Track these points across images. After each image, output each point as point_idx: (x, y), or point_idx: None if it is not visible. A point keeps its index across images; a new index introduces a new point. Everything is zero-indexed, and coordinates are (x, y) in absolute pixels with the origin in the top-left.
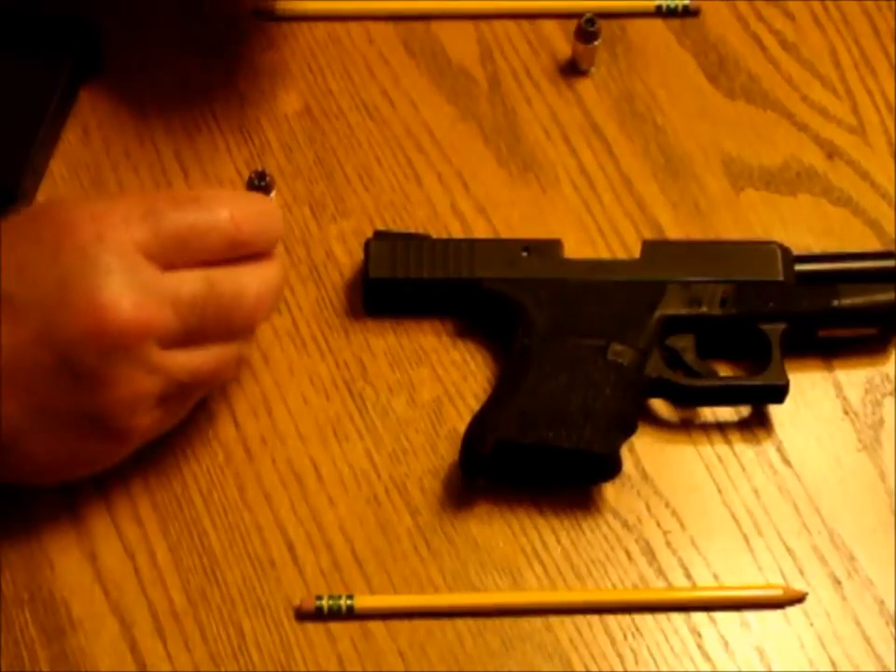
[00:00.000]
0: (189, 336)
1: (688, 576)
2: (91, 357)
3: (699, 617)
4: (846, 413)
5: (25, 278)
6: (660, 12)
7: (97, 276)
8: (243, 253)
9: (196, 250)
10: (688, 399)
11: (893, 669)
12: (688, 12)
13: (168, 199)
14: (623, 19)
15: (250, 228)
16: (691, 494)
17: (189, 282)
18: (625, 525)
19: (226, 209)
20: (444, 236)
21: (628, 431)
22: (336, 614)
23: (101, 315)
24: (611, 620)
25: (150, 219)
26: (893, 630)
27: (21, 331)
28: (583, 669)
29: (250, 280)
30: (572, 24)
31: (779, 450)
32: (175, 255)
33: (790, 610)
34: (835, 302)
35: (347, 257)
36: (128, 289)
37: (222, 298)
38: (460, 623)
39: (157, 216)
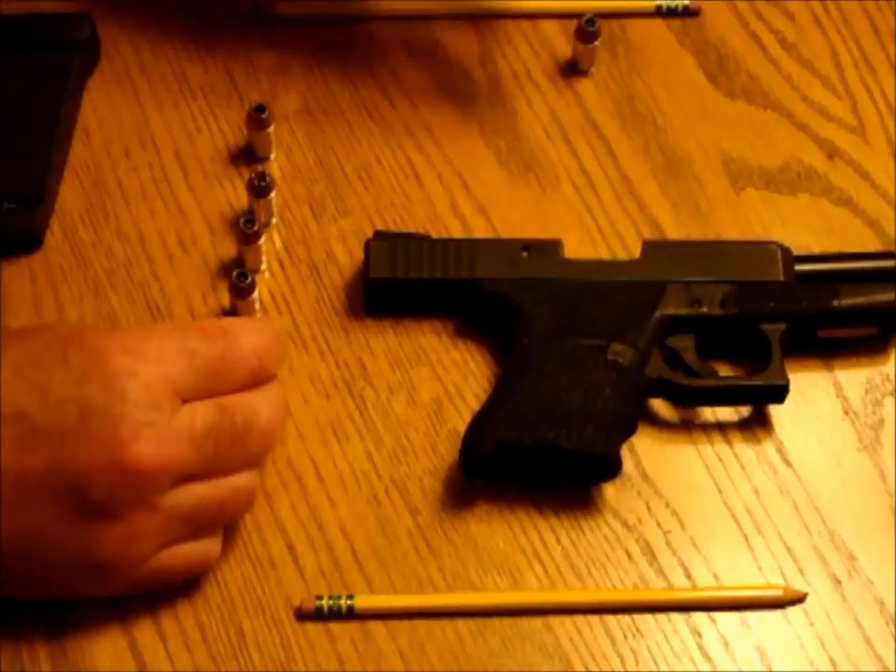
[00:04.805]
0: (207, 468)
1: (688, 576)
2: (103, 490)
3: (699, 617)
4: (846, 412)
5: (48, 403)
6: (660, 12)
7: (123, 411)
8: (258, 381)
9: (222, 382)
10: (688, 399)
11: (893, 669)
12: (688, 12)
13: (198, 332)
14: (623, 19)
15: (269, 358)
16: (691, 494)
17: (203, 413)
18: (625, 525)
19: (249, 341)
20: (444, 236)
21: (628, 431)
22: (336, 614)
23: (122, 450)
24: (612, 620)
25: (184, 354)
26: (893, 630)
27: (36, 456)
28: (583, 669)
29: (260, 405)
30: (572, 24)
31: (779, 450)
32: (203, 388)
33: (790, 610)
34: (835, 302)
35: (347, 257)
36: (151, 427)
37: (235, 426)
38: (460, 623)
39: (190, 350)
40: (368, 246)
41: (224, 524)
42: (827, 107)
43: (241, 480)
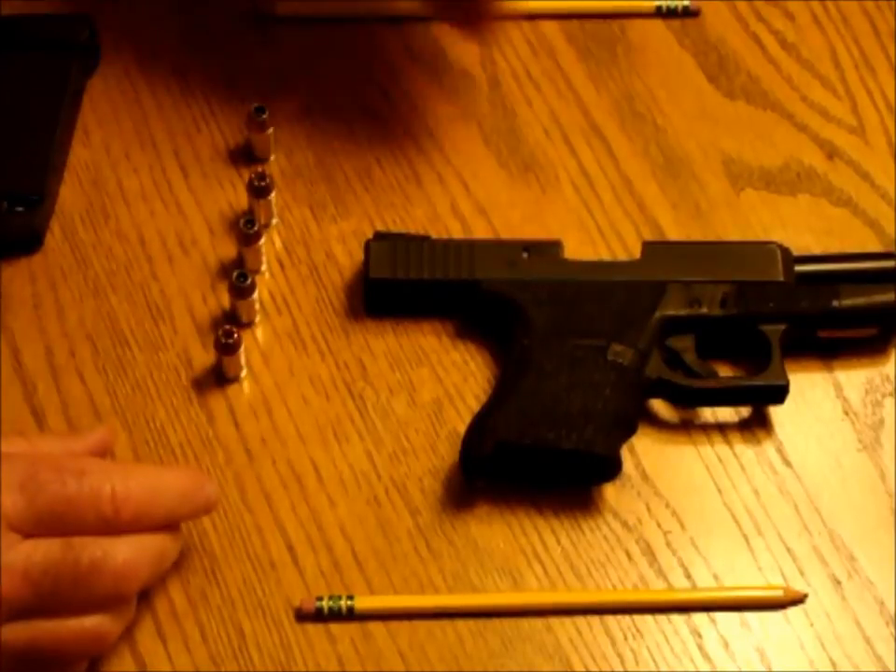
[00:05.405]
0: (44, 606)
1: (688, 576)
2: None
3: (699, 618)
4: (846, 413)
5: None
6: (660, 13)
7: None
8: (120, 532)
9: (67, 524)
10: (688, 399)
11: (893, 669)
12: (688, 13)
13: (52, 467)
14: (623, 19)
15: (132, 509)
16: (691, 494)
17: (45, 550)
18: (626, 525)
19: (115, 487)
20: (444, 237)
21: (628, 432)
22: (336, 615)
23: None
24: (612, 620)
25: (28, 489)
26: (893, 630)
27: None
28: (583, 670)
29: (117, 548)
30: (573, 24)
31: (779, 450)
32: (44, 526)
33: (790, 611)
34: (835, 303)
35: (347, 257)
36: None
37: (79, 566)
38: (460, 624)
39: (35, 486)
40: (368, 247)
41: (69, 664)
42: (827, 107)
43: (89, 622)
